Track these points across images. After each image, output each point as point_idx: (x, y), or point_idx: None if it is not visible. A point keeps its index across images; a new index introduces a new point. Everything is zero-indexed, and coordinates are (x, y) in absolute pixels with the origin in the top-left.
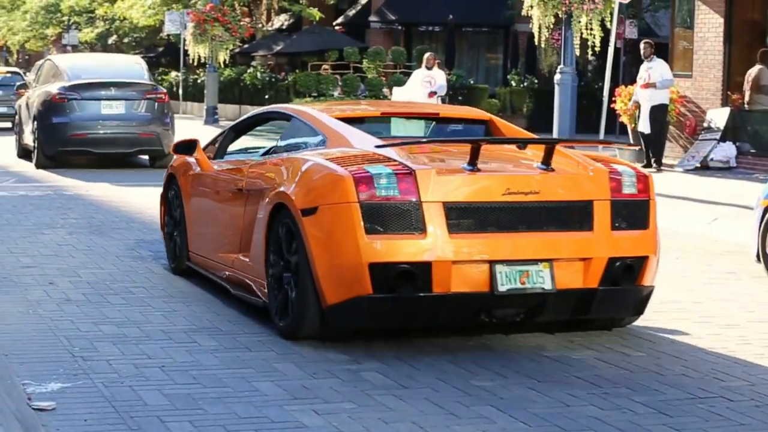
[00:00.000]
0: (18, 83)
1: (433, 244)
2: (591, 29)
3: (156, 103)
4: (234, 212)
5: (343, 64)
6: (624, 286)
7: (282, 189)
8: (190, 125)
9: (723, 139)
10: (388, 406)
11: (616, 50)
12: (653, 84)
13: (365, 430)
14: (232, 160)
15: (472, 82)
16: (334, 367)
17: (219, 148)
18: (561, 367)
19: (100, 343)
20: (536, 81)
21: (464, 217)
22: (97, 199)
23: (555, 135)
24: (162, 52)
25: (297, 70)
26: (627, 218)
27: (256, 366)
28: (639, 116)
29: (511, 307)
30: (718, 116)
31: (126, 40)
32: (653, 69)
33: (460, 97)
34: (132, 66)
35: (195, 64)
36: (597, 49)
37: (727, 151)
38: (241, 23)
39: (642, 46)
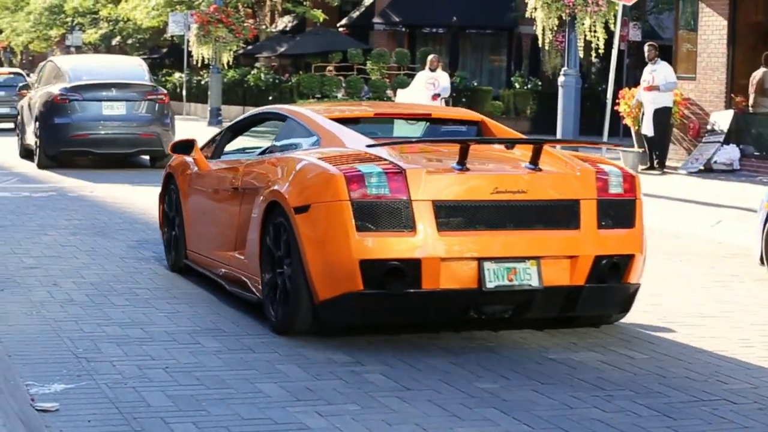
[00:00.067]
0: (20, 84)
1: (423, 241)
2: (595, 31)
3: (156, 104)
4: (230, 211)
5: (346, 65)
6: (610, 283)
7: (276, 187)
8: (194, 126)
9: (726, 141)
10: (392, 407)
11: (620, 52)
12: (657, 87)
13: None
14: (229, 160)
15: (475, 84)
16: (338, 369)
17: (216, 147)
18: (564, 370)
19: (104, 344)
20: (540, 83)
21: (453, 216)
22: (100, 200)
23: (558, 137)
24: (166, 54)
25: (301, 72)
26: (613, 217)
27: (260, 367)
28: (642, 119)
29: (499, 304)
30: (722, 119)
31: (130, 41)
32: (657, 71)
33: (463, 99)
34: (133, 67)
35: (199, 65)
36: (601, 51)
37: (730, 153)
38: (245, 25)
39: (646, 48)
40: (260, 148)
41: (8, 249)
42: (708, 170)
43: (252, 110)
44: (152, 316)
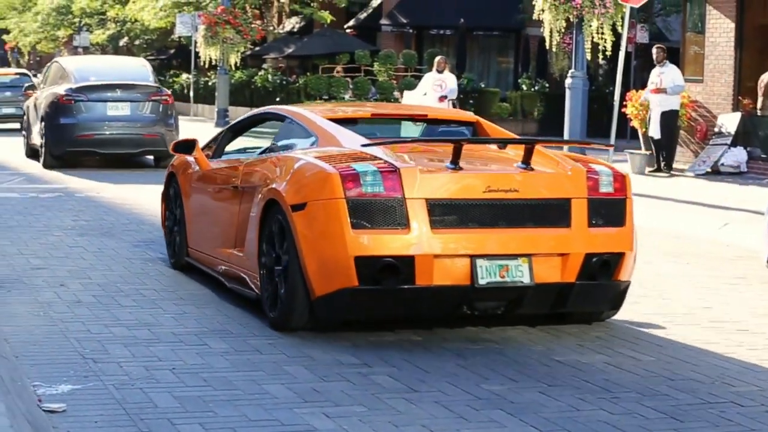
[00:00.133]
0: (26, 84)
1: (417, 238)
2: (602, 33)
3: (161, 105)
4: (230, 209)
5: (354, 67)
6: (601, 280)
7: (274, 186)
8: (201, 127)
9: (734, 144)
10: (399, 409)
11: (627, 54)
12: (664, 89)
13: None
14: (229, 159)
15: (483, 85)
16: (345, 371)
17: (217, 147)
18: (571, 372)
19: (111, 345)
20: (547, 85)
21: (446, 214)
22: (107, 201)
23: (566, 138)
24: (173, 55)
25: (308, 73)
26: (604, 216)
27: (267, 369)
28: (650, 121)
29: (491, 300)
30: (729, 121)
31: (137, 42)
32: (665, 74)
33: (471, 101)
34: (137, 68)
35: (206, 66)
36: (608, 53)
37: (737, 156)
38: (252, 26)
39: (654, 50)
40: (260, 147)
41: (15, 250)
42: (715, 172)
43: (252, 110)
44: (159, 317)
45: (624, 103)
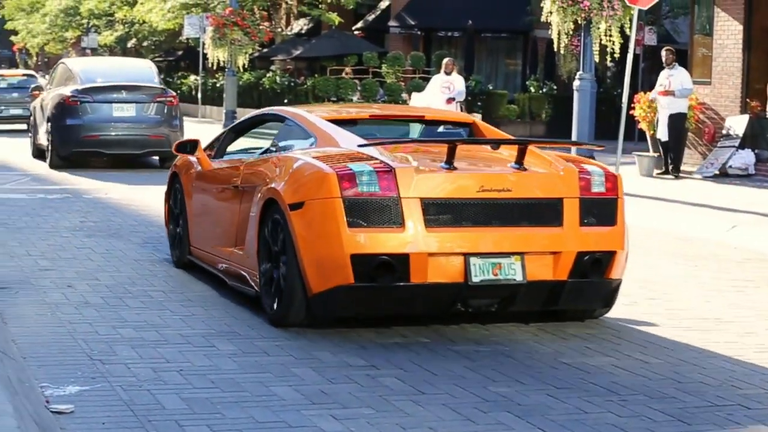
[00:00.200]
0: (33, 85)
1: (411, 237)
2: (610, 35)
3: (165, 106)
4: (230, 208)
5: (362, 68)
6: (592, 278)
7: (273, 185)
8: (209, 129)
9: (742, 146)
10: (406, 411)
11: (635, 57)
12: (672, 92)
13: None
14: (230, 159)
15: (491, 87)
16: (353, 372)
17: (219, 147)
18: (579, 374)
19: (119, 347)
20: (555, 87)
21: (441, 213)
22: (114, 202)
23: (574, 140)
24: (181, 56)
25: (316, 75)
26: (595, 215)
27: (275, 370)
28: (657, 123)
29: (484, 298)
30: (737, 123)
31: (145, 43)
32: (674, 76)
33: (479, 103)
34: (143, 69)
35: (214, 67)
36: (616, 55)
37: (745, 158)
38: (261, 27)
39: (664, 52)
40: (261, 148)
41: (23, 251)
42: (723, 175)
43: (253, 112)
44: (167, 319)
45: (632, 105)
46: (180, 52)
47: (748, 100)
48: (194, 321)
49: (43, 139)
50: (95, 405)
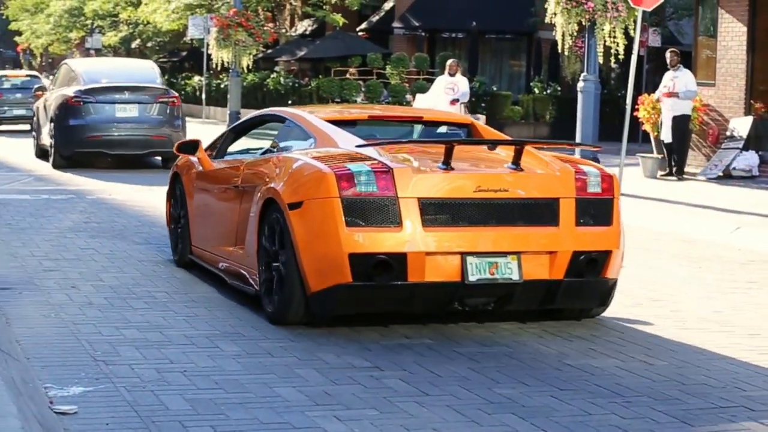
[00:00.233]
0: (36, 86)
1: (409, 236)
2: (614, 37)
3: (168, 107)
4: (231, 208)
5: (366, 70)
6: (588, 278)
7: (272, 185)
8: (213, 130)
9: (746, 147)
10: (410, 412)
11: (639, 58)
12: (676, 94)
13: None
14: (230, 160)
15: (495, 89)
16: (357, 374)
17: (220, 148)
18: (583, 376)
19: (123, 348)
20: (559, 88)
21: (438, 212)
22: (119, 203)
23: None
24: (185, 57)
25: (320, 76)
26: (591, 215)
27: (279, 372)
28: (661, 125)
29: (481, 297)
30: (741, 125)
31: (149, 44)
32: (678, 78)
33: (483, 104)
34: (145, 70)
35: (218, 68)
36: (620, 56)
37: (749, 159)
38: (265, 28)
39: (668, 54)
40: (261, 148)
41: (27, 251)
42: (727, 176)
43: (253, 112)
44: (171, 320)
45: (636, 106)
46: (184, 53)
47: (752, 101)
48: (198, 322)
49: (46, 140)
50: (99, 406)
